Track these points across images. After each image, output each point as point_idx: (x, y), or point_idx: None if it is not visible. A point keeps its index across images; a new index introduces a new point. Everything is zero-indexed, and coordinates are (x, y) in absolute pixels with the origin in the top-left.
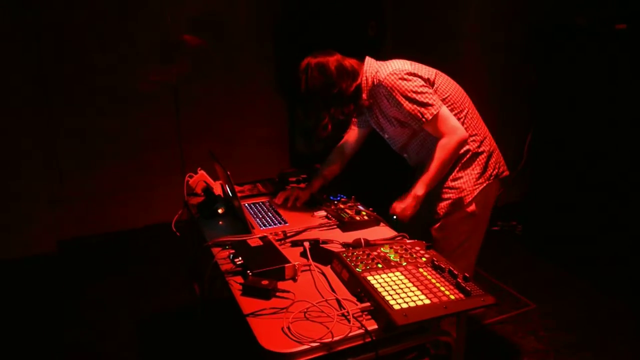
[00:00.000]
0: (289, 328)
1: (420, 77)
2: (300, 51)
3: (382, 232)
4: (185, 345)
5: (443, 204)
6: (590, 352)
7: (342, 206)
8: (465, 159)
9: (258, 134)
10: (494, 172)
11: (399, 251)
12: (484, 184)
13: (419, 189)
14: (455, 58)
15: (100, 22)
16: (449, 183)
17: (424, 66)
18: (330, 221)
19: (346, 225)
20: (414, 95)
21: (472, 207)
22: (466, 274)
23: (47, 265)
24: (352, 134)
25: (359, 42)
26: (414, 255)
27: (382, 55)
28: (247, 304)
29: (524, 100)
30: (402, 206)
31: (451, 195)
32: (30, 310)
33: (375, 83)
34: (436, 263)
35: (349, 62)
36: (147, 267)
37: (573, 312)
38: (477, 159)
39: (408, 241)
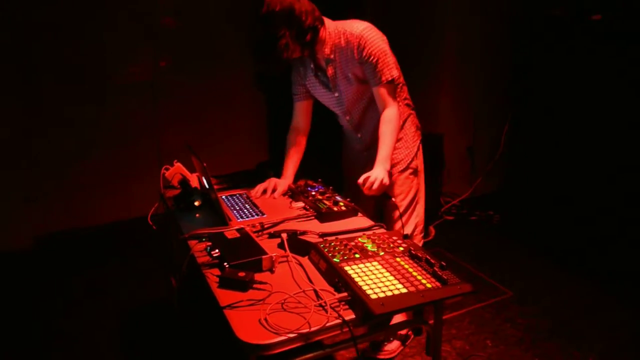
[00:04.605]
0: (266, 319)
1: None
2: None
3: (359, 222)
4: (164, 339)
5: (392, 164)
6: (566, 338)
7: (319, 197)
8: (404, 121)
9: (237, 126)
10: (420, 129)
11: (376, 241)
12: (418, 140)
13: (387, 163)
14: (434, 50)
15: (74, 12)
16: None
17: None
18: (308, 212)
19: (324, 216)
20: (384, 56)
21: (415, 163)
22: (443, 262)
23: (22, 261)
24: (299, 109)
25: None
26: (391, 245)
27: None
28: (224, 296)
29: (501, 91)
30: (380, 176)
31: (397, 155)
32: (6, 307)
33: (342, 36)
34: (413, 252)
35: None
36: (125, 262)
37: (550, 300)
38: (411, 119)
39: (385, 231)
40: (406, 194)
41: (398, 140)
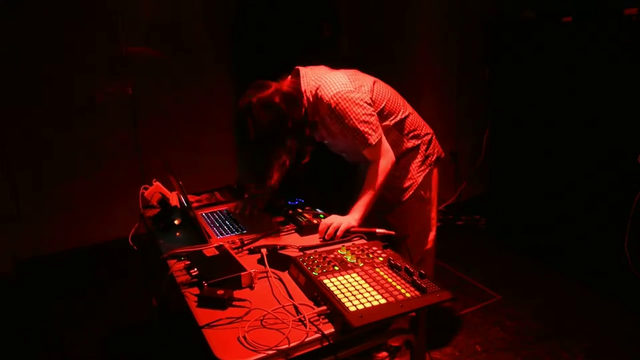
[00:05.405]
0: (244, 337)
1: (367, 102)
2: (257, 53)
3: None
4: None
5: (394, 193)
6: (555, 340)
7: (299, 210)
8: (409, 152)
9: (219, 141)
10: (433, 158)
11: (355, 252)
12: (427, 170)
13: (356, 213)
14: (409, 59)
15: (52, 31)
16: (397, 173)
17: (361, 76)
18: (288, 226)
19: (304, 229)
20: (361, 125)
21: (421, 192)
22: (422, 271)
23: (4, 287)
24: None
25: (315, 43)
26: (371, 256)
27: (338, 56)
28: (203, 315)
29: (479, 96)
30: (332, 220)
31: (400, 184)
32: None
33: (317, 99)
34: (392, 262)
35: (287, 85)
36: (107, 284)
37: (538, 302)
38: (419, 150)
39: (365, 242)
40: (408, 224)
41: (402, 169)
